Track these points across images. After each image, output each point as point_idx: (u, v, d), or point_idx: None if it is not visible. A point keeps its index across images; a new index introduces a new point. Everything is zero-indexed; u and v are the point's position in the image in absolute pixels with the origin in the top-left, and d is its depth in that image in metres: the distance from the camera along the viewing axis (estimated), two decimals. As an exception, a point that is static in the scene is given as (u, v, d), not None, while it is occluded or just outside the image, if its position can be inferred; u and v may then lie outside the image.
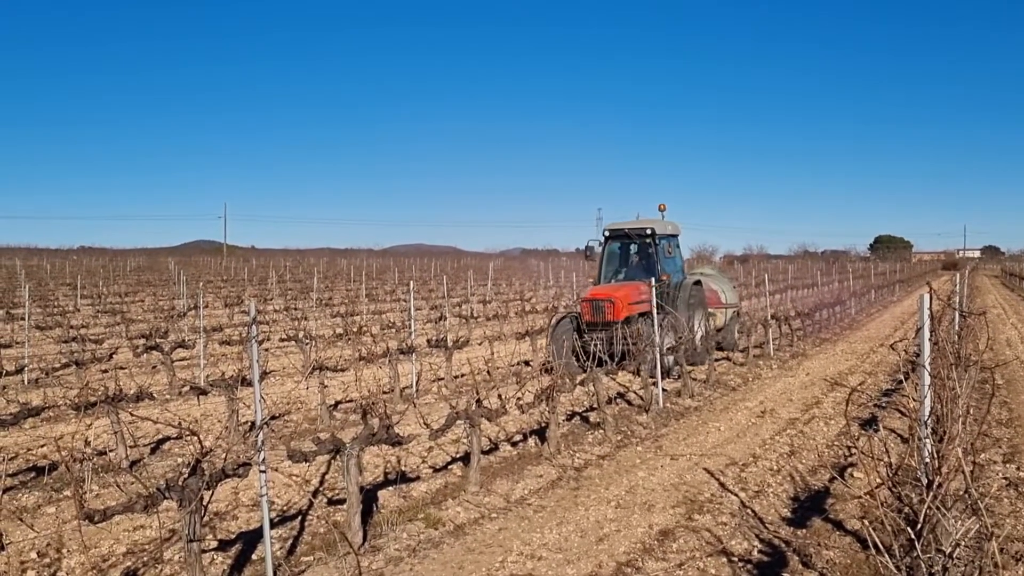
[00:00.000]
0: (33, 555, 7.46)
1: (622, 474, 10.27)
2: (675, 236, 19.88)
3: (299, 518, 8.36)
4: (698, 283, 19.67)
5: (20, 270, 60.17)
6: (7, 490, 9.09)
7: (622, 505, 8.99)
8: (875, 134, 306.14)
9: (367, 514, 8.16)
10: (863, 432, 12.23)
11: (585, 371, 12.64)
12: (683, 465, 10.70)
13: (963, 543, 4.59)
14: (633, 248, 19.66)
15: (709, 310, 20.10)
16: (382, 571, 7.13)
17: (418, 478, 9.90)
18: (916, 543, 4.40)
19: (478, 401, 9.62)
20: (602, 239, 19.66)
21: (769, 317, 22.33)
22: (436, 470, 10.31)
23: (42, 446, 11.43)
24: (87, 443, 10.89)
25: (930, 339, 6.81)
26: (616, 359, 13.91)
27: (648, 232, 18.77)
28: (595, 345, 14.67)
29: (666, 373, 16.20)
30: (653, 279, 16.43)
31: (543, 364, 15.88)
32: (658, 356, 14.35)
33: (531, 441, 11.71)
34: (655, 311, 14.99)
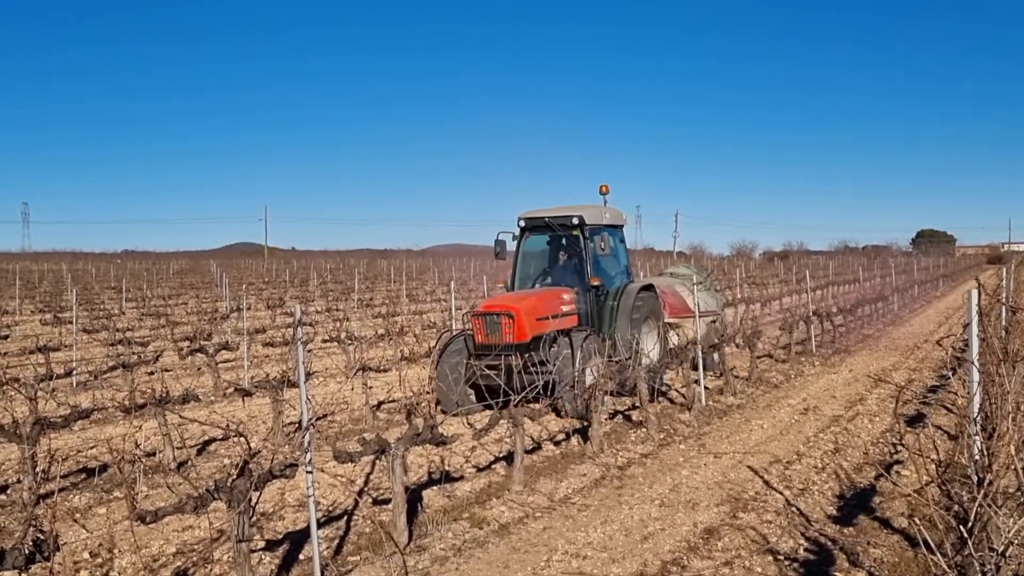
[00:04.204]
0: (86, 555, 7.59)
1: (665, 473, 10.26)
2: (616, 227, 15.91)
3: (345, 518, 8.43)
4: (648, 288, 15.59)
5: (66, 274, 61.24)
6: (59, 491, 9.25)
7: (666, 504, 8.98)
8: (916, 127, 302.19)
9: (412, 514, 8.21)
10: (909, 429, 12.11)
11: (493, 408, 9.87)
12: (726, 463, 10.66)
13: (1015, 541, 4.54)
14: (560, 244, 15.40)
15: (672, 320, 16.53)
16: (428, 570, 7.18)
17: (462, 478, 9.94)
18: (968, 541, 4.36)
19: (520, 400, 9.64)
20: (517, 231, 15.40)
21: (811, 314, 22.17)
22: (480, 469, 10.36)
23: (92, 448, 11.61)
24: (137, 445, 11.05)
25: (978, 334, 6.73)
26: (521, 396, 9.89)
27: (574, 222, 14.65)
28: (474, 376, 12.15)
29: (583, 413, 12.27)
30: (582, 285, 14.51)
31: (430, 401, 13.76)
32: (700, 355, 14.21)
33: (574, 440, 11.72)
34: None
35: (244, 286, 41.19)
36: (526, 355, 12.74)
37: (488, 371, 11.34)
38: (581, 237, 14.61)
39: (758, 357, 17.40)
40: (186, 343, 18.36)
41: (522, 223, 15.20)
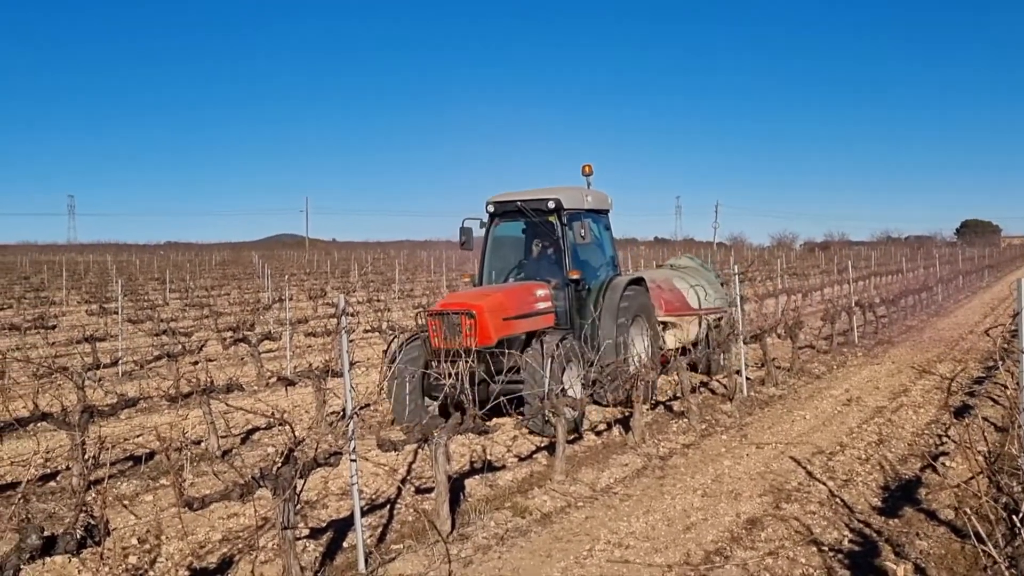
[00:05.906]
0: (134, 541, 7.70)
1: (708, 463, 10.22)
2: (600, 213, 14.00)
3: (388, 506, 8.50)
4: (637, 281, 13.69)
5: (111, 266, 62.04)
6: (108, 478, 9.38)
7: (708, 494, 8.95)
8: (960, 115, 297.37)
9: (455, 502, 8.26)
10: (955, 421, 11.96)
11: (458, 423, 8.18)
12: (769, 454, 10.61)
13: (1067, 533, 4.49)
14: (534, 232, 13.40)
15: (670, 319, 14.94)
16: (471, 559, 7.21)
17: (504, 467, 9.97)
18: (1019, 532, 4.31)
19: (562, 390, 9.64)
20: (486, 218, 13.56)
21: (853, 304, 21.95)
22: (521, 459, 10.38)
23: (138, 436, 11.77)
24: (183, 433, 11.19)
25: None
26: (483, 408, 8.69)
27: (550, 206, 12.74)
28: (428, 386, 10.96)
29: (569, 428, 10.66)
30: (561, 279, 12.69)
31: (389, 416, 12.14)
32: (742, 347, 14.11)
33: (615, 430, 11.70)
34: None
35: (286, 277, 41.27)
36: (488, 362, 11.02)
37: (445, 380, 9.05)
38: (558, 224, 12.77)
39: (800, 348, 17.25)
40: (229, 333, 18.51)
41: (491, 208, 13.34)
